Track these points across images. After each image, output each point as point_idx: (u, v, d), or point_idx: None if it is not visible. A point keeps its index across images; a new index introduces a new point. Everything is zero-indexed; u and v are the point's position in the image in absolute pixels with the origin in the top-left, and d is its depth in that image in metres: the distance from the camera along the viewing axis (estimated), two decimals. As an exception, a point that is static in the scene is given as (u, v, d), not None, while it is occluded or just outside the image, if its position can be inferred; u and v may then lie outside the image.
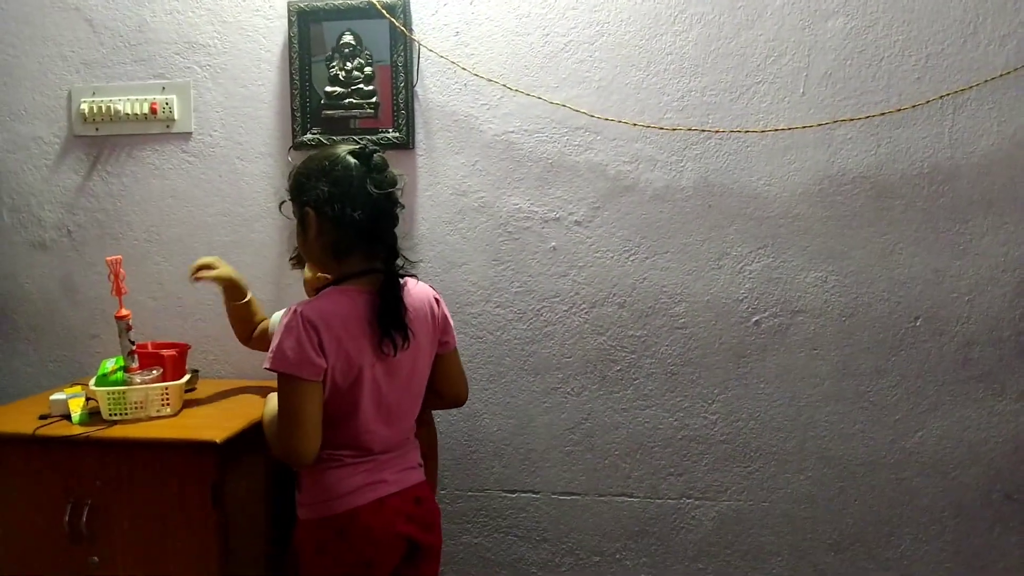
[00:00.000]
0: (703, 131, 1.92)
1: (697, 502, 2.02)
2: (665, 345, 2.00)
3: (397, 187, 1.46)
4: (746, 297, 1.96)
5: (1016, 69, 1.78)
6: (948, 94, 1.81)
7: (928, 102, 1.82)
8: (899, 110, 1.82)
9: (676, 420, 2.01)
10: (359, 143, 1.48)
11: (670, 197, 1.96)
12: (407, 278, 1.49)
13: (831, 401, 1.95)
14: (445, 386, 1.61)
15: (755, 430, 1.99)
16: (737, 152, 1.92)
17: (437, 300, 1.56)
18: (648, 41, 1.92)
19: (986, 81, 1.79)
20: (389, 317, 1.40)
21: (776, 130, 1.88)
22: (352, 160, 1.42)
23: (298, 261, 1.86)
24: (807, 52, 1.87)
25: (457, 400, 1.67)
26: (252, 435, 1.68)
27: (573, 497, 2.07)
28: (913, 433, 1.93)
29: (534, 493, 2.08)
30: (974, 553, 1.94)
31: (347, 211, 1.38)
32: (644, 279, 1.99)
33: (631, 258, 1.99)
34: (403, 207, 1.50)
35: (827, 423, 1.95)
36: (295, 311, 1.35)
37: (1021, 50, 1.79)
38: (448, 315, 1.58)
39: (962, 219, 1.86)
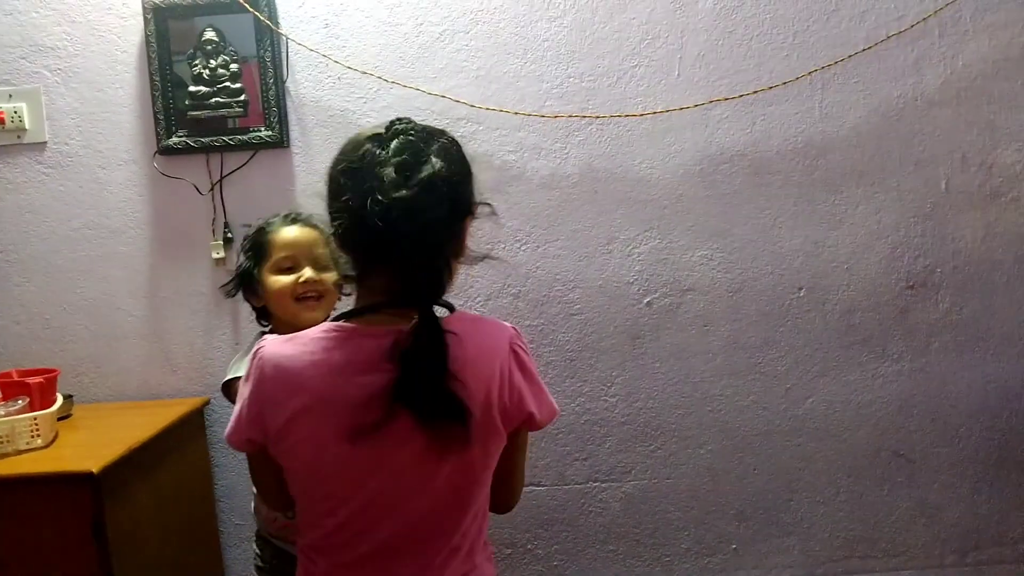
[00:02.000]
0: (584, 117, 2.01)
1: (604, 484, 2.14)
2: (562, 332, 2.09)
3: (433, 187, 1.01)
4: (637, 279, 2.07)
5: (876, 44, 1.93)
6: (816, 70, 1.95)
7: (798, 79, 1.96)
8: (771, 88, 1.96)
9: (578, 405, 2.12)
10: (397, 121, 1.06)
11: (556, 184, 2.04)
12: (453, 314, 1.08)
13: (724, 375, 2.09)
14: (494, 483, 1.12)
15: (654, 409, 2.11)
16: (619, 136, 2.02)
17: (515, 351, 1.09)
18: (523, 28, 1.99)
19: (850, 56, 1.94)
20: (418, 382, 0.98)
21: (655, 113, 1.99)
22: (367, 145, 1.04)
23: (237, 285, 1.64)
24: (680, 34, 1.98)
25: (502, 506, 1.20)
26: (137, 460, 1.69)
27: (481, 492, 2.15)
28: (804, 400, 2.09)
29: (441, 491, 2.15)
30: (868, 510, 2.12)
31: (349, 217, 1.03)
32: (537, 268, 2.07)
33: (523, 248, 2.07)
34: (470, 215, 1.12)
35: (722, 397, 2.09)
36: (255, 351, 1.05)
37: (879, 25, 1.95)
38: (528, 374, 1.10)
39: (836, 191, 2.02)
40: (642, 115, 1.99)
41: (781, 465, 2.11)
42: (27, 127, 2.05)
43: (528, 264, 2.07)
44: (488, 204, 1.15)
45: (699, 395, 2.10)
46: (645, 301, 2.07)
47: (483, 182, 1.13)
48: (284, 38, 1.99)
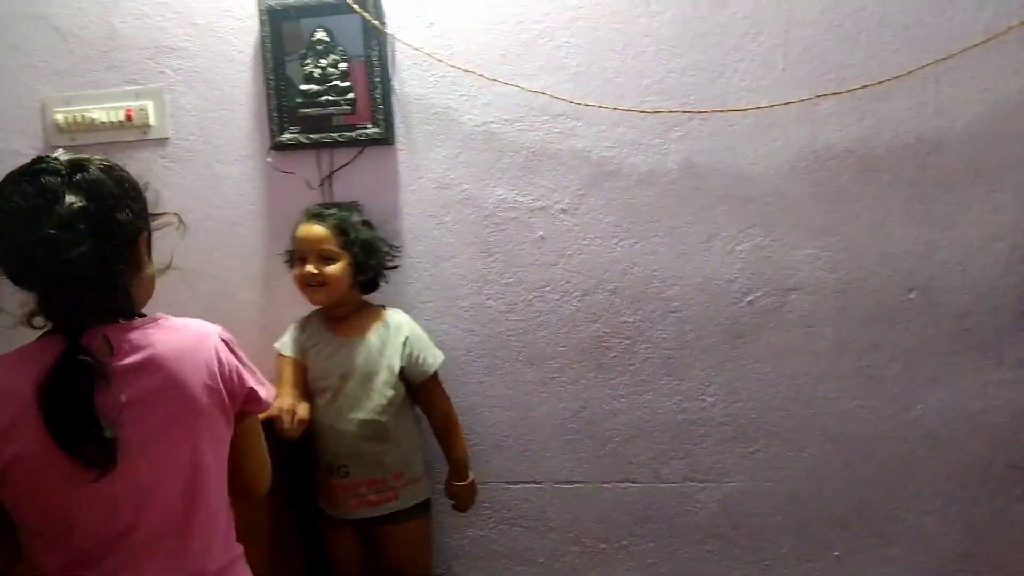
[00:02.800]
0: (684, 112, 2.03)
1: (701, 485, 2.16)
2: (659, 329, 2.13)
3: (68, 224, 1.07)
4: (738, 277, 2.08)
5: (995, 36, 1.88)
6: (929, 64, 1.91)
7: (909, 73, 1.92)
8: (880, 82, 1.93)
9: (675, 404, 2.14)
10: (40, 160, 1.14)
11: (655, 180, 2.07)
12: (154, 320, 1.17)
13: (829, 378, 2.07)
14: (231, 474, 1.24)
15: (755, 410, 2.11)
16: (720, 132, 2.03)
17: (223, 342, 1.21)
18: (624, 24, 2.03)
19: (966, 49, 1.89)
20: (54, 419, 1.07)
21: (758, 108, 1.99)
22: (7, 186, 1.11)
23: (290, 259, 2.04)
24: (785, 28, 1.98)
25: (248, 492, 1.32)
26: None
27: (576, 486, 2.21)
28: (913, 406, 2.05)
29: (536, 484, 2.22)
30: (980, 524, 2.07)
31: None
32: (634, 264, 2.11)
33: (620, 243, 2.11)
34: (141, 232, 1.21)
35: (826, 400, 2.08)
36: None
37: (999, 16, 1.90)
38: (240, 358, 1.24)
39: (950, 189, 1.97)
40: (745, 110, 2.00)
41: (887, 473, 2.08)
42: (152, 123, 2.23)
43: (625, 260, 2.11)
44: (173, 213, 1.27)
45: (802, 397, 2.09)
46: (747, 300, 2.08)
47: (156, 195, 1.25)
48: (390, 38, 2.09)
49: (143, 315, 1.18)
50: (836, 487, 2.11)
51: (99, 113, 2.23)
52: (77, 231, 1.07)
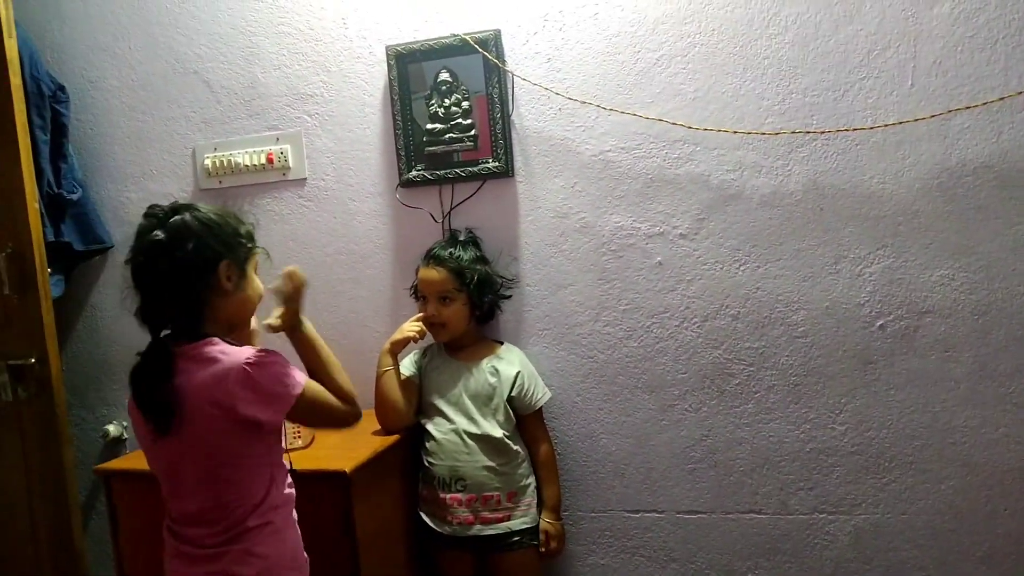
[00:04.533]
0: (807, 133, 1.98)
1: (831, 516, 2.07)
2: (785, 355, 2.07)
3: (149, 252, 1.44)
4: (868, 300, 2.00)
5: None
6: (1075, 71, 1.80)
7: (1053, 82, 1.81)
8: (1020, 93, 1.82)
9: (802, 432, 2.07)
10: (151, 207, 1.51)
11: (778, 203, 2.03)
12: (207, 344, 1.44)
13: (969, 405, 1.95)
14: None
15: (888, 439, 2.01)
16: (846, 151, 1.97)
17: (246, 370, 1.41)
18: (742, 48, 2.01)
19: (1117, 53, 1.77)
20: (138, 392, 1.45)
21: (885, 126, 1.92)
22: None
23: (415, 293, 2.17)
24: (912, 42, 1.90)
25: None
26: (381, 463, 1.91)
27: (699, 516, 2.16)
28: (1067, 436, 1.90)
29: (658, 512, 2.19)
30: None
31: None
32: (758, 288, 2.07)
33: (742, 268, 2.07)
34: (222, 260, 1.47)
35: (967, 428, 1.96)
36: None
37: None
38: (256, 386, 1.42)
39: (1104, 203, 1.83)
40: (872, 128, 1.93)
41: (1037, 507, 1.94)
42: (291, 165, 2.38)
43: (747, 285, 2.07)
44: (261, 248, 1.57)
45: (939, 426, 1.98)
46: (878, 324, 1.99)
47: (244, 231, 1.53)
48: (510, 74, 2.15)
49: (206, 335, 1.46)
50: (978, 521, 1.97)
51: (243, 157, 2.40)
52: (155, 258, 1.44)
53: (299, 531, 1.56)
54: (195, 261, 1.44)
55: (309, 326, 1.60)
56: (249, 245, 1.53)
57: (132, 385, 1.45)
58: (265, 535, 1.46)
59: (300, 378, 1.48)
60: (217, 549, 1.44)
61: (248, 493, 1.45)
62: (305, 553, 1.56)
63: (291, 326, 1.59)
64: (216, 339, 1.45)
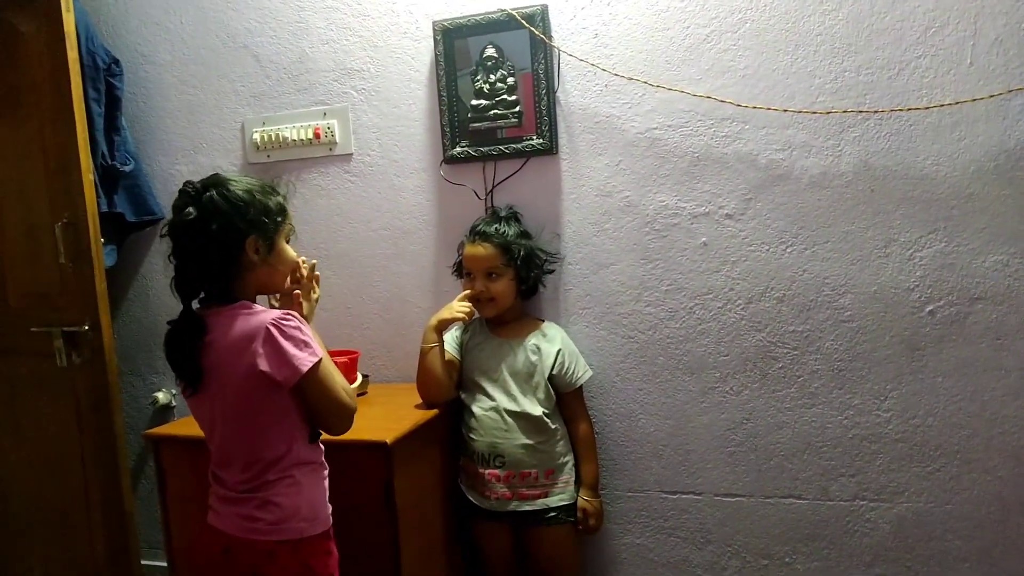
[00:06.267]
0: (860, 112, 1.93)
1: (872, 504, 2.04)
2: (830, 340, 2.03)
3: (182, 226, 1.53)
4: (918, 285, 1.95)
5: None
6: None
7: (1122, 60, 1.73)
8: (1086, 73, 1.75)
9: (846, 418, 2.04)
10: (186, 184, 1.59)
11: (828, 183, 1.98)
12: (238, 307, 1.53)
13: (1020, 395, 1.90)
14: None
15: (934, 427, 1.97)
16: (900, 132, 1.92)
17: (269, 329, 1.49)
18: (795, 24, 1.96)
19: None
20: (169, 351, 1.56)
21: (941, 106, 1.86)
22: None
23: (458, 271, 2.17)
24: (973, 19, 1.84)
25: (328, 431, 1.64)
26: (421, 435, 1.92)
27: (738, 499, 2.15)
28: (1124, 429, 1.84)
29: (696, 495, 2.18)
30: None
31: None
32: (804, 271, 2.03)
33: (788, 250, 2.03)
34: (249, 236, 1.54)
35: (1017, 418, 1.91)
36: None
37: None
38: (278, 346, 1.49)
39: None
40: (927, 108, 1.88)
41: (1092, 501, 1.88)
42: (337, 140, 2.39)
43: (794, 267, 2.03)
44: (289, 224, 1.63)
45: (988, 415, 1.93)
46: (927, 310, 1.95)
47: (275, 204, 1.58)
48: (556, 50, 2.13)
49: (237, 300, 1.55)
50: (1028, 514, 1.93)
51: (291, 132, 2.42)
52: (185, 231, 1.53)
53: (324, 491, 1.63)
54: (222, 238, 1.51)
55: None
56: (279, 219, 1.59)
57: (165, 349, 1.56)
58: (284, 487, 1.55)
59: (319, 352, 1.54)
60: (242, 494, 1.56)
61: (269, 447, 1.55)
62: (327, 512, 1.63)
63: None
64: (248, 303, 1.55)
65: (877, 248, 1.97)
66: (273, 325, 1.49)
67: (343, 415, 1.60)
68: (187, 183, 1.57)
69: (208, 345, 1.51)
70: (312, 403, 1.56)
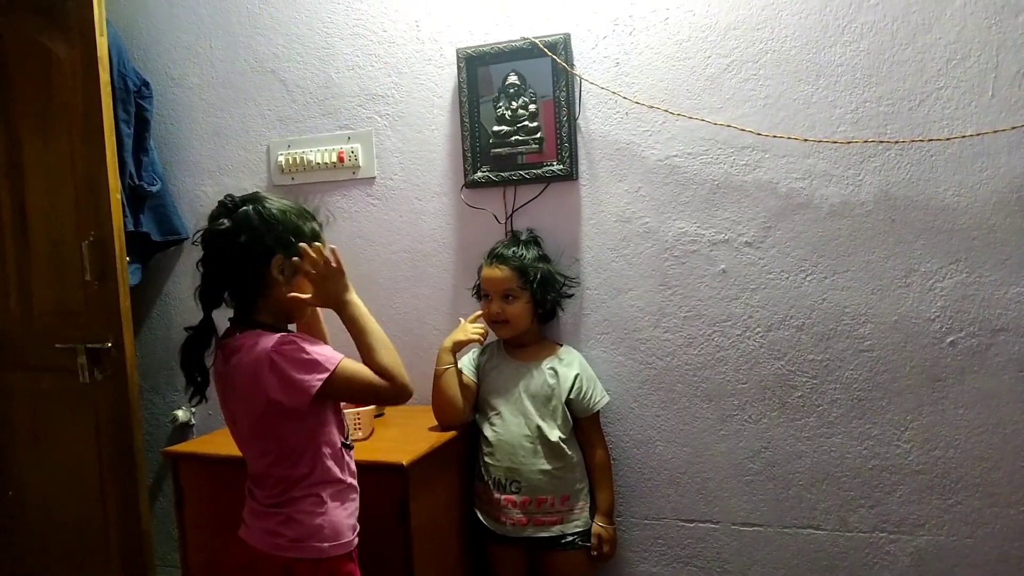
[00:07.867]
0: (881, 142, 1.93)
1: (892, 536, 2.01)
2: (850, 369, 2.01)
3: (216, 237, 1.55)
4: (939, 316, 1.93)
5: None
6: None
7: None
8: (1109, 105, 1.75)
9: (865, 449, 2.02)
10: (225, 197, 1.62)
11: (848, 213, 1.98)
12: (248, 333, 1.55)
13: (1044, 428, 1.88)
14: None
15: (955, 459, 1.95)
16: (920, 162, 1.92)
17: (272, 358, 1.50)
18: (816, 54, 1.97)
19: None
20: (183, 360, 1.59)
21: (963, 137, 1.86)
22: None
23: (477, 293, 2.18)
24: (995, 52, 1.84)
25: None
26: (438, 457, 1.92)
27: (755, 528, 2.12)
28: None
29: (713, 523, 2.16)
30: None
31: None
32: (823, 300, 2.02)
33: (808, 278, 2.03)
34: (275, 255, 1.55)
35: (1041, 453, 1.88)
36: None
37: None
38: (282, 374, 1.50)
39: None
40: (948, 139, 1.88)
41: (1117, 538, 1.85)
42: (360, 164, 2.42)
43: (813, 295, 2.03)
44: (313, 246, 1.58)
45: (1011, 448, 1.90)
46: (948, 340, 1.93)
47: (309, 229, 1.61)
48: (578, 78, 2.15)
49: (257, 321, 1.58)
50: (1053, 550, 1.89)
51: (315, 155, 2.45)
52: (218, 243, 1.56)
53: (351, 513, 1.63)
54: (249, 252, 1.54)
55: (356, 304, 1.63)
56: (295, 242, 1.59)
57: (180, 354, 1.60)
58: (308, 504, 1.56)
59: (329, 364, 1.53)
60: (269, 509, 1.58)
61: (293, 466, 1.56)
62: (352, 535, 1.62)
63: (335, 303, 1.62)
64: (259, 329, 1.56)
65: (898, 278, 1.96)
66: (274, 352, 1.50)
67: (384, 393, 1.60)
68: (227, 196, 1.61)
69: (225, 373, 1.56)
70: (347, 400, 1.65)
